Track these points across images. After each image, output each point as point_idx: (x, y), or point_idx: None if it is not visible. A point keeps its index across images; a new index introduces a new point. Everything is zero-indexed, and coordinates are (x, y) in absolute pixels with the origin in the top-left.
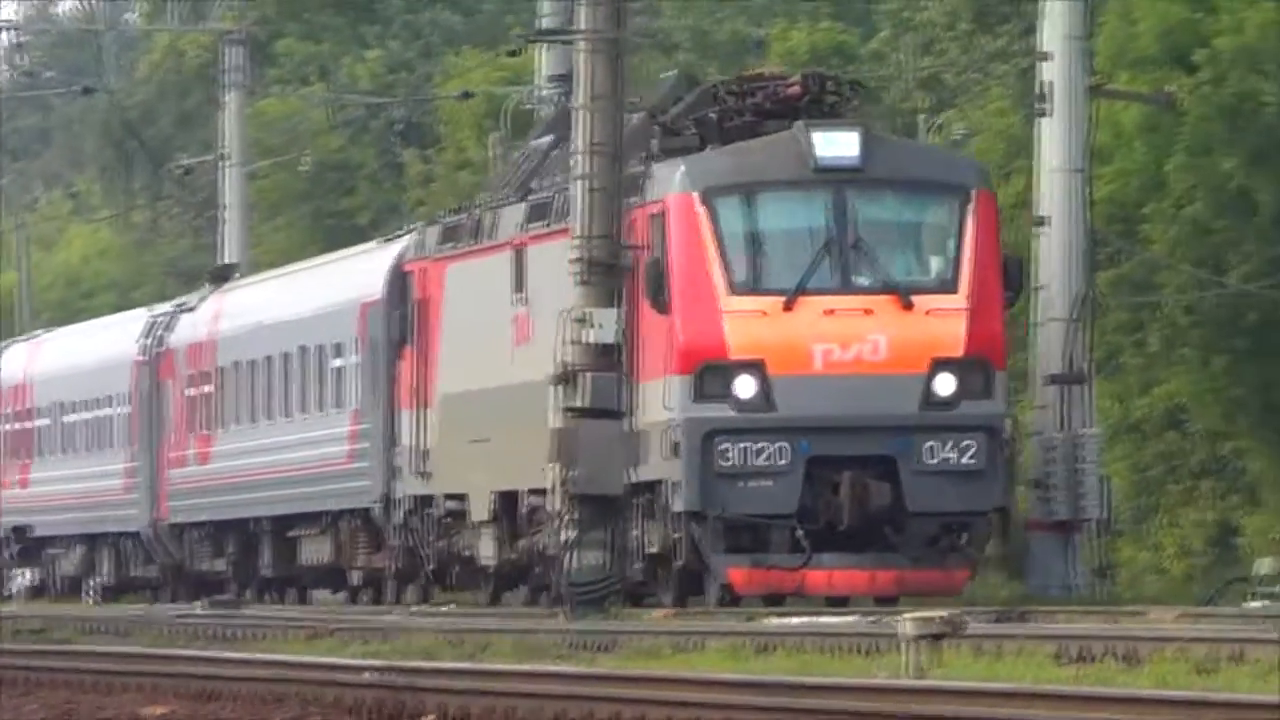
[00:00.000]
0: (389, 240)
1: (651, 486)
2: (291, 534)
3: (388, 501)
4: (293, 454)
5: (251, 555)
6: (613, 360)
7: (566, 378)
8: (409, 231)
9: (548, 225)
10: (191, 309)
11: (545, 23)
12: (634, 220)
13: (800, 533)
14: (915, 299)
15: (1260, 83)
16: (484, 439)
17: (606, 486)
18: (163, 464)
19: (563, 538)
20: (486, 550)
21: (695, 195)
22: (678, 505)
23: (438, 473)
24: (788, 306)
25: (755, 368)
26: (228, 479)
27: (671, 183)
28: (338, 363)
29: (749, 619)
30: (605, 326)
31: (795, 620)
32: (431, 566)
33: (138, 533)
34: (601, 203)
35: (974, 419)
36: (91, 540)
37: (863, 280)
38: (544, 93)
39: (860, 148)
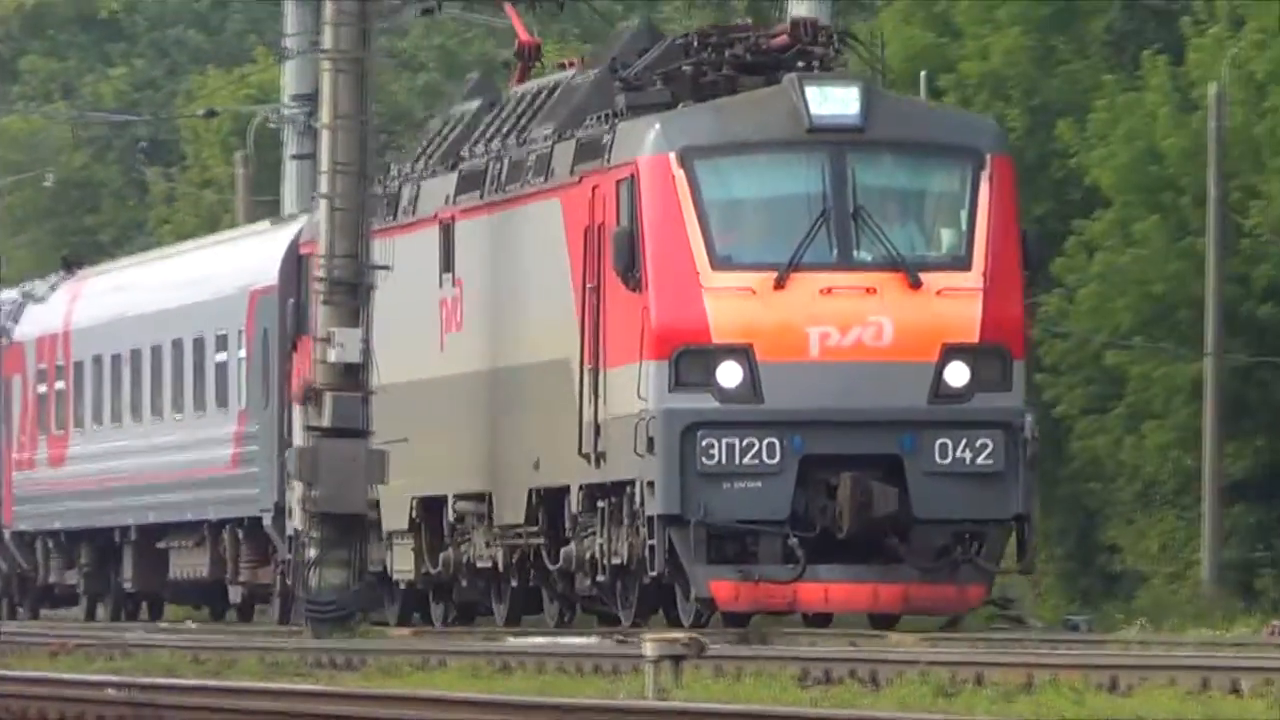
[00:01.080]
0: (280, 221)
1: (618, 489)
2: (161, 545)
3: (279, 510)
4: (166, 457)
5: (110, 567)
6: (357, 380)
7: (310, 397)
8: (305, 211)
9: (482, 197)
10: (41, 299)
11: (290, 42)
12: (596, 187)
13: (793, 541)
14: (924, 277)
15: (1006, 108)
16: (399, 439)
17: (348, 505)
18: (8, 466)
19: (306, 556)
20: (402, 564)
21: (672, 156)
22: (652, 509)
23: None
24: (779, 284)
25: (741, 353)
26: (85, 483)
27: (644, 143)
28: (221, 357)
29: (488, 638)
30: (348, 346)
31: (536, 640)
32: None
33: None
34: (345, 222)
35: (990, 414)
36: None
37: (864, 255)
38: (289, 111)
39: (861, 105)
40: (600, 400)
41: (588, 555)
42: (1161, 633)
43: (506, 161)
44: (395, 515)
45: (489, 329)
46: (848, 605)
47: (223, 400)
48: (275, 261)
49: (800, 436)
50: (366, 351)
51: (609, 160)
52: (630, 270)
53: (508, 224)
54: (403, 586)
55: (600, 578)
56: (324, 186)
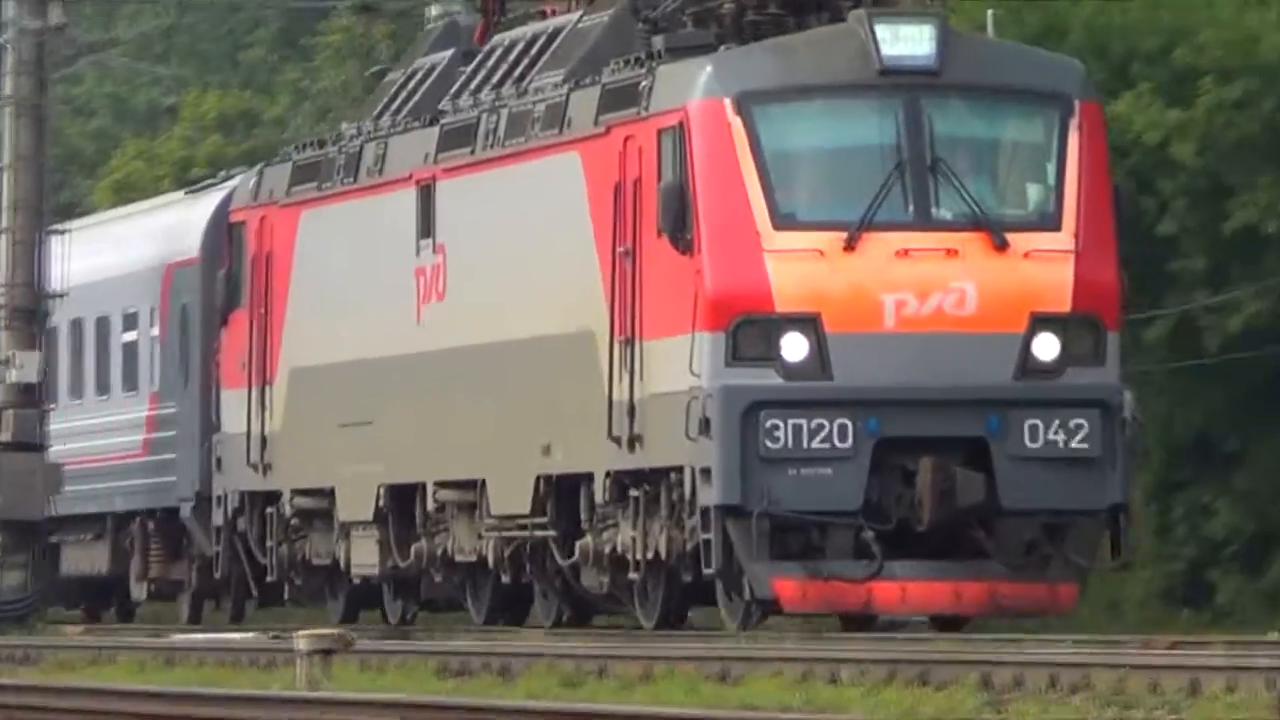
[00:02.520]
0: (197, 190)
1: (657, 475)
2: (54, 539)
3: (201, 500)
4: (65, 445)
5: None
6: (34, 397)
7: None
8: (226, 178)
9: (473, 153)
10: None
11: None
12: (629, 138)
13: (869, 534)
14: (1010, 238)
15: None
16: (364, 421)
17: (27, 513)
18: None
19: None
20: (362, 557)
21: (727, 102)
22: (707, 498)
23: (284, 464)
24: (849, 245)
25: (808, 323)
26: None
27: (694, 86)
28: (129, 337)
29: (154, 635)
30: (27, 367)
31: (199, 636)
32: (271, 577)
33: None
34: (22, 254)
35: (1084, 391)
36: None
37: (944, 213)
38: None
39: (936, 44)
40: (635, 377)
41: (608, 549)
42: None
43: (505, 113)
44: (356, 505)
45: (480, 299)
46: (927, 606)
47: (131, 382)
48: (197, 232)
49: (875, 417)
50: (45, 372)
51: (647, 108)
52: (680, 230)
53: (508, 182)
54: (356, 581)
55: (632, 575)
56: (4, 221)
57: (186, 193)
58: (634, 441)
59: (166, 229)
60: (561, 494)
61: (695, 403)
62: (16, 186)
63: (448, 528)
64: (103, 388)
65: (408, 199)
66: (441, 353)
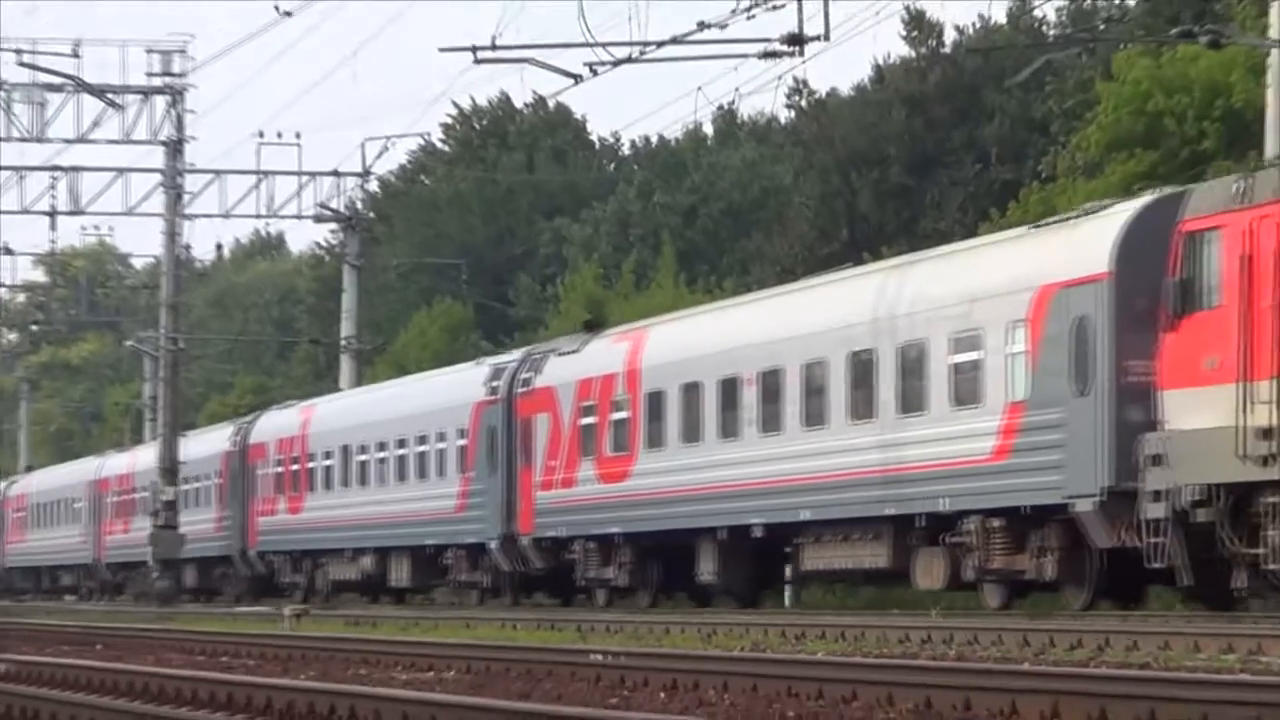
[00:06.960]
0: (1038, 227)
1: None
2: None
3: (1114, 496)
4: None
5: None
6: (173, 512)
7: None
8: (1101, 206)
9: None
10: (568, 353)
11: None
12: None
13: None
14: None
15: None
16: None
17: (171, 554)
18: (528, 486)
19: None
20: None
21: None
22: None
23: None
24: None
25: None
26: (650, 494)
27: None
28: (967, 357)
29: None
30: (169, 491)
31: None
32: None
33: (480, 544)
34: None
35: None
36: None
37: None
38: None
39: None
40: None
41: None
42: None
43: None
44: None
45: None
46: None
47: (972, 398)
48: (1101, 251)
49: None
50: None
51: None
52: None
53: None
54: None
55: None
56: None
57: (1028, 227)
58: None
59: (1049, 254)
60: None
61: None
62: None
63: None
64: (910, 404)
65: None
66: None
